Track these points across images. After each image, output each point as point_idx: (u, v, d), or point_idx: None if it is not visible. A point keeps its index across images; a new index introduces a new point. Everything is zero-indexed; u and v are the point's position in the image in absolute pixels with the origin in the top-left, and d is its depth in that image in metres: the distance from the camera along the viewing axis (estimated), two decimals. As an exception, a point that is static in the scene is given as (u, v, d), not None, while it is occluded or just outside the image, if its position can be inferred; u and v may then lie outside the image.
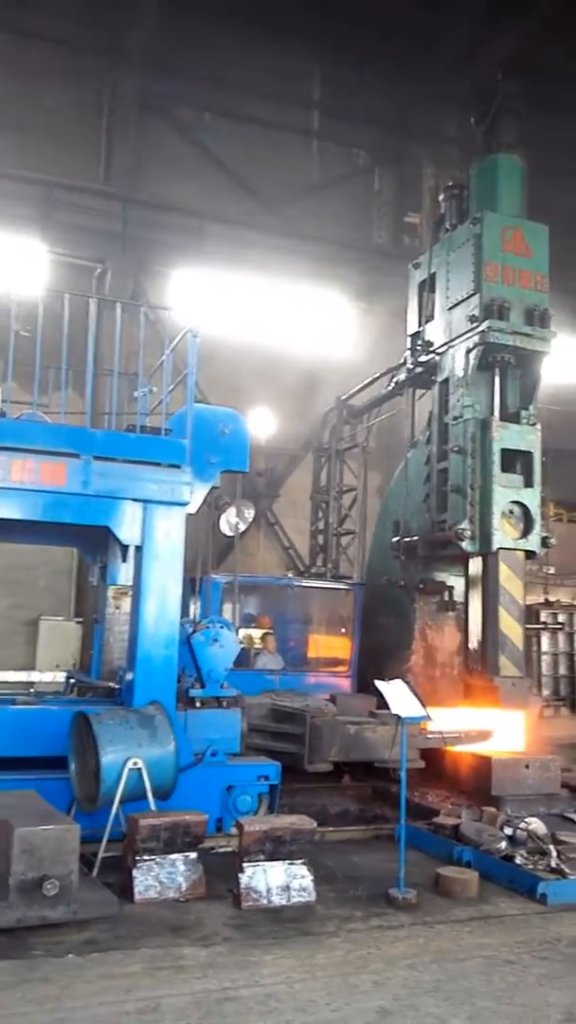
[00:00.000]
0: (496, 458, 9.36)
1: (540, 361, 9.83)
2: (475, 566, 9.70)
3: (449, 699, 9.78)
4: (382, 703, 9.12)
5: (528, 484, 9.54)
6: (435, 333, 10.48)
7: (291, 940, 5.24)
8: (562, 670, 15.16)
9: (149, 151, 16.76)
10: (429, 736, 8.72)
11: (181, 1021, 4.18)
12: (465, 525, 9.30)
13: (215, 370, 14.87)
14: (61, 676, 11.23)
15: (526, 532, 9.43)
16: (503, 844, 6.93)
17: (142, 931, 5.27)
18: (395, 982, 4.71)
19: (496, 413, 9.61)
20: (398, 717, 6.61)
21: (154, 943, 5.09)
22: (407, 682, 6.85)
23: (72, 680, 9.50)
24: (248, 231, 16.63)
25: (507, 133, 10.39)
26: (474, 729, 9.10)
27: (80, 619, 14.68)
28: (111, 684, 8.44)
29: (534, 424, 9.73)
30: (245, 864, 5.79)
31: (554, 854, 6.60)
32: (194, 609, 10.41)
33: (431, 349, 10.44)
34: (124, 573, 8.54)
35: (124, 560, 8.13)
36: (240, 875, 5.77)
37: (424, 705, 6.61)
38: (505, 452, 9.45)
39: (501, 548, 9.32)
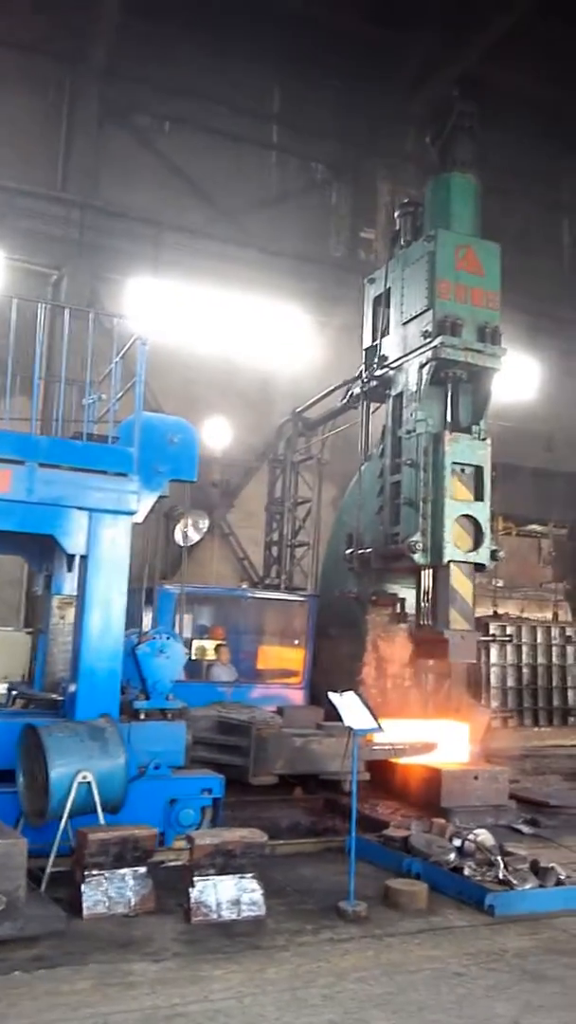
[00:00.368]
0: (447, 472, 9.48)
1: (491, 377, 9.98)
2: (427, 579, 9.79)
3: (400, 710, 9.86)
4: (330, 715, 9.19)
5: (479, 498, 9.67)
6: (390, 347, 10.59)
7: (241, 955, 5.24)
8: (510, 682, 15.35)
9: (108, 158, 16.68)
10: (375, 748, 8.77)
11: (129, 1038, 4.16)
12: (417, 537, 9.40)
13: (171, 380, 14.84)
14: (3, 687, 11.05)
15: (476, 545, 9.55)
16: (452, 856, 6.99)
17: (91, 947, 5.22)
18: (345, 996, 4.73)
19: (448, 427, 9.74)
20: (350, 729, 6.64)
21: (103, 959, 5.05)
22: (359, 694, 6.89)
23: (14, 692, 9.36)
24: (206, 241, 16.64)
25: (462, 151, 10.54)
26: (419, 741, 9.15)
27: (30, 630, 14.46)
28: (53, 696, 8.34)
29: (485, 439, 9.87)
30: (195, 878, 5.78)
31: (501, 866, 6.68)
32: (148, 620, 10.34)
33: (385, 363, 10.54)
34: (69, 583, 8.42)
35: (69, 569, 8.02)
36: (190, 889, 5.76)
37: (376, 717, 6.65)
38: (456, 466, 9.56)
39: (452, 561, 9.42)
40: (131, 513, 7.55)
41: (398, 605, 10.53)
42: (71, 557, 7.52)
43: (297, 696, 11.32)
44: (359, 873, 6.24)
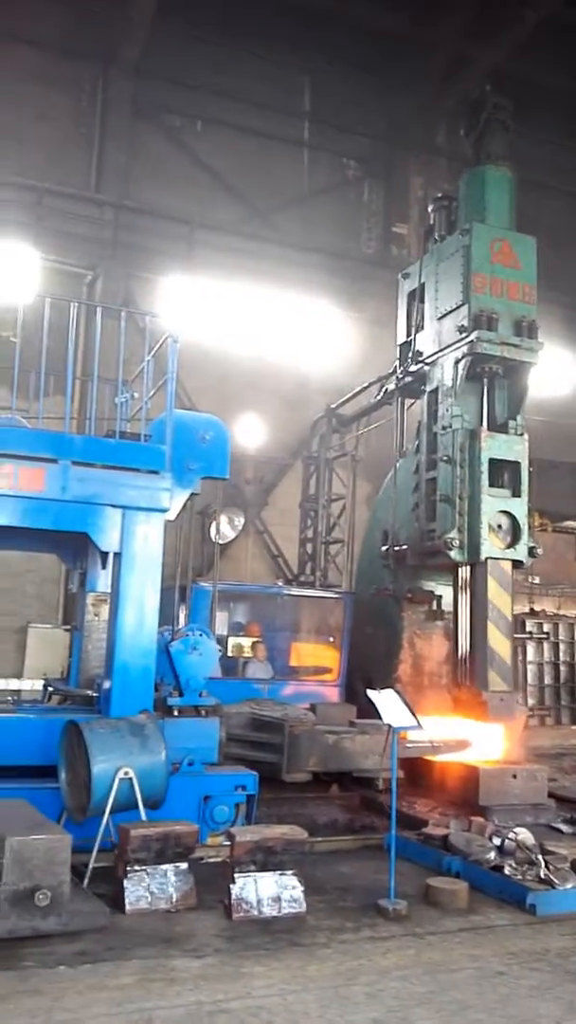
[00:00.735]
0: (484, 468, 9.41)
1: (527, 372, 9.89)
2: (463, 575, 9.73)
3: (436, 708, 9.80)
4: (362, 713, 9.17)
5: (516, 494, 9.59)
6: (424, 343, 10.53)
7: (283, 951, 5.24)
8: (547, 680, 15.22)
9: (140, 158, 16.79)
10: (409, 746, 8.73)
11: (174, 1033, 4.18)
12: (454, 535, 9.34)
13: (204, 378, 14.90)
14: (40, 684, 11.17)
15: (514, 542, 9.47)
16: (492, 854, 6.95)
17: (133, 942, 5.26)
18: (387, 994, 4.72)
19: (484, 423, 9.67)
20: (389, 727, 6.62)
21: (146, 954, 5.08)
22: (398, 692, 6.86)
23: (50, 688, 9.46)
24: (238, 239, 16.68)
25: (496, 145, 10.45)
26: (452, 739, 9.11)
27: (68, 627, 14.60)
28: (88, 692, 8.41)
29: (522, 434, 9.79)
30: (236, 875, 5.79)
31: (543, 864, 6.63)
32: (183, 617, 10.39)
33: (420, 359, 10.49)
34: (103, 580, 8.52)
35: (103, 567, 8.10)
36: (231, 886, 5.77)
37: (415, 715, 6.63)
38: (493, 462, 9.50)
39: (489, 557, 9.36)
40: (164, 510, 7.58)
41: (434, 602, 10.48)
42: (105, 555, 7.56)
43: (332, 693, 11.32)
44: (398, 871, 6.21)
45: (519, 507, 9.53)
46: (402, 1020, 4.43)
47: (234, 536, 16.59)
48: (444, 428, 9.85)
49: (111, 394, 9.44)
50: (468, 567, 9.55)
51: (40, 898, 5.07)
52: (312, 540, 14.50)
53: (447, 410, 9.85)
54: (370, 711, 7.15)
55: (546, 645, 15.20)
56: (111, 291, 15.55)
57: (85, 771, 6.32)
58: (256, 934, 5.49)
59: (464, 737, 9.20)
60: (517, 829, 7.36)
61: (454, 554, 9.36)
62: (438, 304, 10.28)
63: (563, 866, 6.67)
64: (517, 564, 9.63)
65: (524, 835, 7.19)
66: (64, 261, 15.47)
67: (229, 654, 11.66)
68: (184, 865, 5.98)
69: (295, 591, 12.82)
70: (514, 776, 8.71)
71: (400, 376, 10.87)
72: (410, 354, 10.69)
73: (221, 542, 13.94)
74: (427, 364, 10.39)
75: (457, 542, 9.34)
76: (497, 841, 7.17)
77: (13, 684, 13.29)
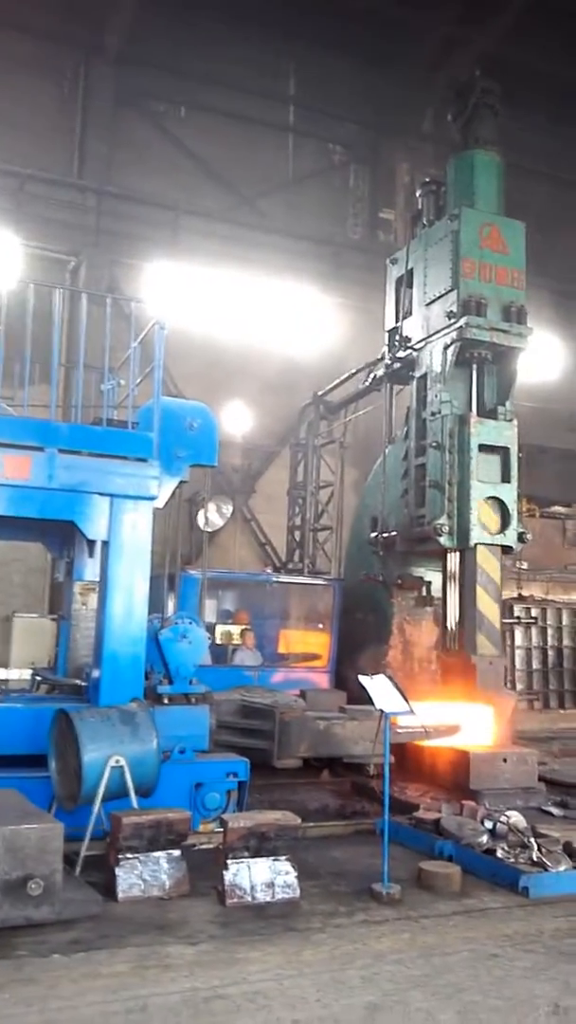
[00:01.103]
0: (474, 454, 9.39)
1: (516, 357, 9.87)
2: (453, 561, 9.73)
3: (426, 694, 9.81)
4: (353, 698, 9.16)
5: (505, 480, 9.59)
6: (413, 329, 10.49)
7: (277, 937, 5.23)
8: (535, 664, 15.28)
9: (124, 144, 16.65)
10: (400, 731, 8.73)
11: (170, 1020, 4.15)
12: (443, 520, 9.34)
13: (191, 365, 14.81)
14: (28, 673, 11.11)
15: (503, 527, 9.48)
16: (484, 838, 6.96)
17: (127, 930, 5.23)
18: (383, 977, 4.72)
19: (474, 409, 9.64)
20: (381, 712, 6.61)
21: (140, 942, 5.05)
22: (390, 677, 6.85)
23: (38, 678, 9.41)
24: (223, 225, 16.58)
25: (485, 129, 10.39)
26: (442, 724, 9.12)
27: (54, 616, 14.53)
28: (77, 681, 8.36)
29: (511, 420, 9.78)
30: (229, 861, 5.77)
31: (535, 847, 6.64)
32: (172, 605, 10.35)
33: (409, 345, 10.45)
34: (91, 569, 8.44)
35: (91, 555, 8.03)
36: (224, 872, 5.75)
37: (407, 700, 6.62)
38: (482, 447, 9.48)
39: (479, 543, 9.36)
40: (152, 498, 7.53)
41: (423, 588, 10.48)
42: (92, 543, 7.51)
43: (322, 680, 11.31)
44: (390, 856, 6.21)
45: (508, 493, 9.53)
46: (398, 1003, 4.43)
47: (222, 524, 16.55)
48: (433, 414, 9.82)
49: (97, 381, 9.36)
50: (457, 553, 9.55)
51: (32, 887, 5.02)
52: (300, 527, 14.47)
53: (436, 396, 9.83)
54: (360, 697, 7.14)
55: (534, 630, 15.25)
56: (95, 278, 15.44)
57: (75, 760, 6.28)
58: (250, 920, 5.48)
59: (455, 723, 9.21)
60: (509, 812, 7.37)
61: (443, 540, 9.35)
62: (426, 290, 10.24)
63: (555, 849, 6.68)
64: (507, 550, 9.64)
65: (516, 818, 7.19)
66: (46, 247, 15.35)
67: (218, 642, 11.63)
68: (177, 852, 5.95)
69: (284, 578, 12.80)
70: (505, 760, 8.74)
71: (388, 362, 10.83)
72: (398, 340, 10.64)
73: (209, 530, 13.87)
74: (416, 350, 10.35)
75: (447, 528, 9.34)
76: (489, 824, 7.17)
77: (0, 673, 13.21)
